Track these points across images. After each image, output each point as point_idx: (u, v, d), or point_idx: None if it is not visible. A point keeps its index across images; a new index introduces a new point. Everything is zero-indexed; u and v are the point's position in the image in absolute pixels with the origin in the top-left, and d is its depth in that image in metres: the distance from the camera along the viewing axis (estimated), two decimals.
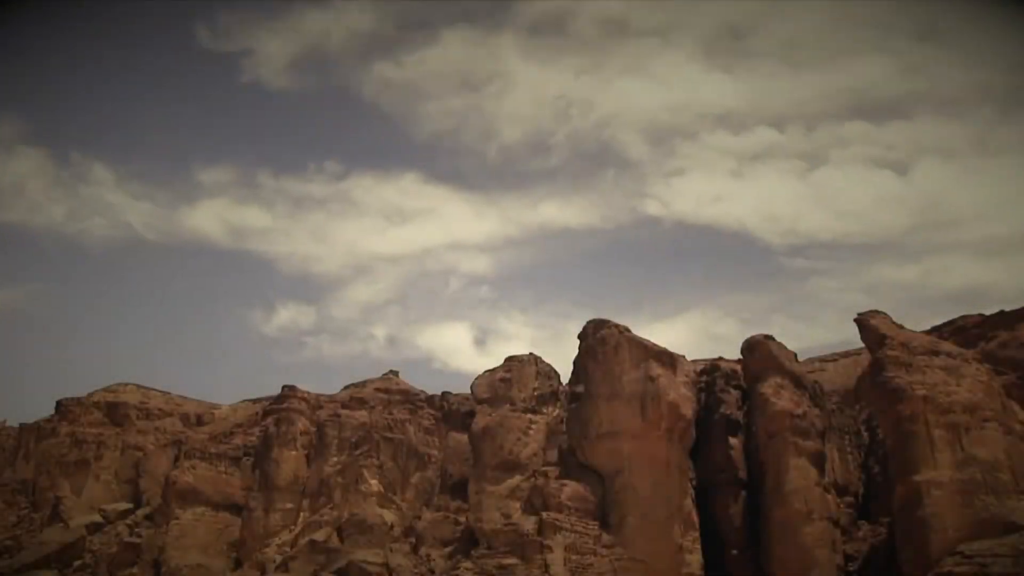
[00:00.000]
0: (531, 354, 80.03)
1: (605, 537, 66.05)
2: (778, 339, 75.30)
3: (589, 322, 75.11)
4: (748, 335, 75.72)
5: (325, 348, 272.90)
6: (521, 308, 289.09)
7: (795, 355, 77.30)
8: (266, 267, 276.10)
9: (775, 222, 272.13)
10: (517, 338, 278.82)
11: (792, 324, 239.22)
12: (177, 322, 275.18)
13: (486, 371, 78.69)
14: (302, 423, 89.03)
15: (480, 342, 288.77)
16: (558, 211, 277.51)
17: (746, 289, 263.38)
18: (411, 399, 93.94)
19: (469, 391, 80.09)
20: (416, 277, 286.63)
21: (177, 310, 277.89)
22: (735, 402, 76.26)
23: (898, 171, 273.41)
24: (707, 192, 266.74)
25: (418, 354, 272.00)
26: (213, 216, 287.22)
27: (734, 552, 69.89)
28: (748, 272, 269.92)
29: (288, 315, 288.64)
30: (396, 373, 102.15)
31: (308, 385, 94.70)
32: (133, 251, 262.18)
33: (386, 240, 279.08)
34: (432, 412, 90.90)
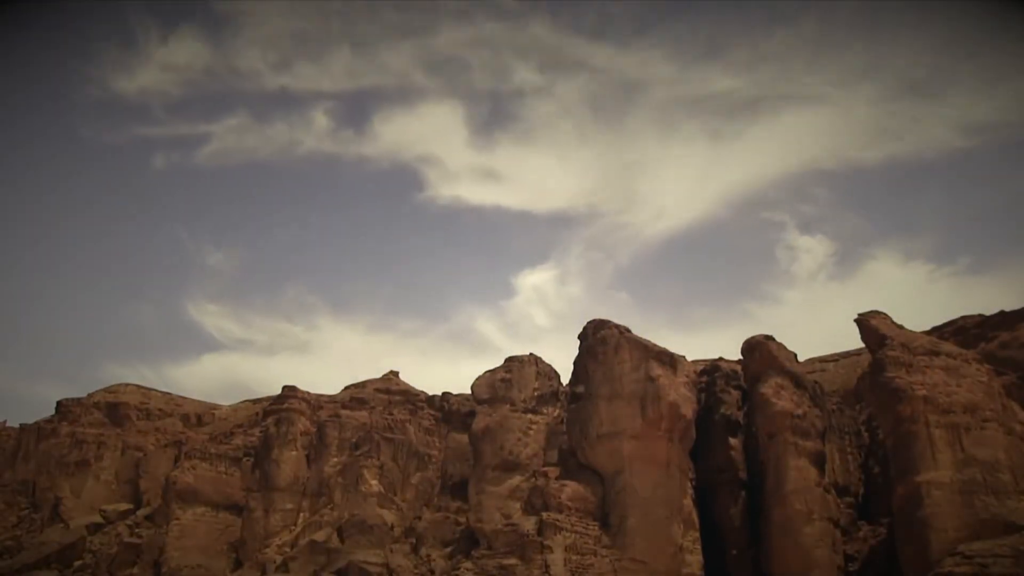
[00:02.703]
0: (531, 354, 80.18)
1: (605, 537, 66.01)
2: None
3: (589, 322, 75.17)
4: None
5: (231, 142, 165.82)
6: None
7: (795, 355, 77.43)
8: None
9: None
10: (535, 143, 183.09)
11: None
12: None
13: (486, 371, 78.90)
14: (302, 423, 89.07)
15: (482, 130, 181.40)
16: None
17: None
18: (411, 399, 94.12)
19: (469, 390, 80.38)
20: None
21: None
22: (735, 402, 76.40)
23: None
24: None
25: (381, 154, 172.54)
26: None
27: (734, 552, 69.94)
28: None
29: (161, 61, 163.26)
30: (396, 373, 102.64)
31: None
32: None
33: None
34: (432, 412, 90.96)
